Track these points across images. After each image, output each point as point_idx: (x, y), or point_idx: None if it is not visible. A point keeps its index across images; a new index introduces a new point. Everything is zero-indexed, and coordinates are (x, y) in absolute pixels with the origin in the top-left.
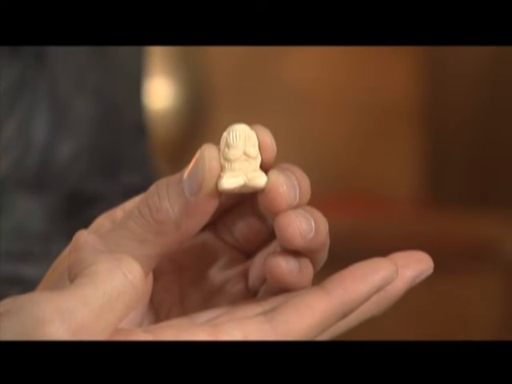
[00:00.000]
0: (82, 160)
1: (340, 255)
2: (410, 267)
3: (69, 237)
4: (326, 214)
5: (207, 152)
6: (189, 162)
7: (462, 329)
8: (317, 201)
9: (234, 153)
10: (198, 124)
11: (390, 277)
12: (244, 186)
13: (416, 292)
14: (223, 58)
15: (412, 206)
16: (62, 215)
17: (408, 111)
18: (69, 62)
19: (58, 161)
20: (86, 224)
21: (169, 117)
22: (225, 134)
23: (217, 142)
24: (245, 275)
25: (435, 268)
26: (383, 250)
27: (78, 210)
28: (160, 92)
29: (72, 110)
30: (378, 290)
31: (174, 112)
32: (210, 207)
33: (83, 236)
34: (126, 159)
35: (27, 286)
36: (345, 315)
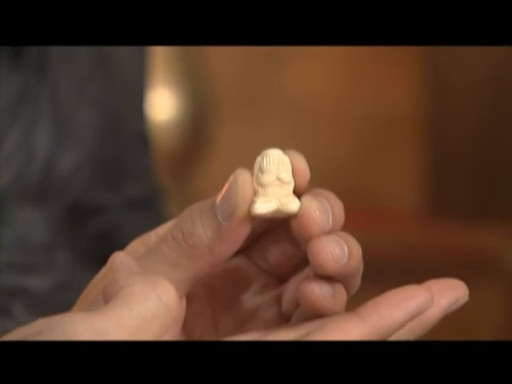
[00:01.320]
0: (85, 171)
1: None
2: (445, 295)
3: (71, 248)
4: None
5: (241, 177)
6: (191, 173)
7: (461, 338)
8: None
9: (267, 178)
10: (201, 135)
11: (425, 304)
12: (277, 211)
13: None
14: (226, 70)
15: (414, 217)
16: (64, 226)
17: (410, 122)
18: (71, 73)
19: (60, 172)
20: (88, 235)
21: (171, 128)
22: (258, 159)
23: (220, 153)
24: (278, 300)
25: (437, 278)
26: (386, 261)
27: (80, 221)
28: (162, 103)
29: (74, 121)
30: (413, 317)
31: (177, 123)
32: (242, 232)
33: (119, 257)
34: (129, 170)
35: (29, 297)
36: None
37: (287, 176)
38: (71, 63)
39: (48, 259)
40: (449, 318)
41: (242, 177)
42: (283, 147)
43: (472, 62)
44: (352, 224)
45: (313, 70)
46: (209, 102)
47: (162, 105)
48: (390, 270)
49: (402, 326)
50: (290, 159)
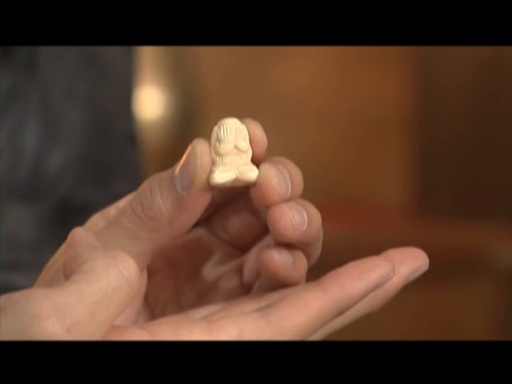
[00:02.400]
0: (73, 169)
1: (330, 264)
2: (405, 264)
3: (60, 246)
4: None
5: (198, 147)
6: (180, 157)
7: (453, 337)
8: None
9: (224, 147)
10: (189, 133)
11: (387, 275)
12: (236, 180)
13: (406, 301)
14: (214, 68)
15: (402, 215)
16: (52, 224)
17: (399, 120)
18: (60, 71)
19: (49, 170)
20: None
21: (159, 126)
22: (215, 129)
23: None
24: (239, 270)
25: (425, 277)
26: None
27: (68, 218)
28: (151, 101)
29: (63, 120)
30: (375, 288)
31: (165, 121)
32: (202, 202)
33: (78, 233)
34: (117, 168)
35: None
36: (341, 312)
37: (245, 145)
38: (60, 62)
39: (37, 257)
40: (438, 316)
41: (200, 147)
42: (272, 145)
43: (460, 61)
44: (340, 221)
45: (301, 68)
46: (197, 99)
47: (151, 103)
48: None
49: (363, 297)
50: (248, 128)
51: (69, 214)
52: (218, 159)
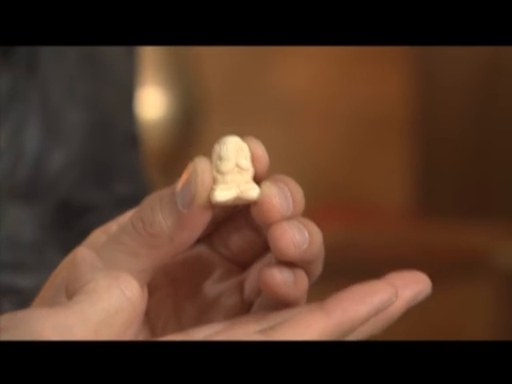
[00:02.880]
0: (74, 169)
1: (331, 265)
2: (408, 288)
3: (61, 246)
4: (316, 224)
5: (199, 165)
6: (181, 173)
7: (453, 337)
8: (308, 211)
9: (226, 165)
10: (190, 134)
11: (390, 300)
12: (237, 198)
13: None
14: (215, 68)
15: (403, 216)
16: (53, 225)
17: (399, 121)
18: (60, 71)
19: (50, 170)
20: (78, 233)
21: (161, 126)
22: (216, 147)
23: (209, 152)
24: (240, 287)
25: None
26: (374, 260)
27: (69, 219)
28: (152, 102)
29: (64, 120)
30: (377, 312)
31: (166, 122)
32: (203, 220)
33: (81, 252)
34: (118, 169)
35: (19, 296)
36: (343, 336)
37: (246, 163)
38: (60, 62)
39: (38, 257)
40: (438, 317)
41: (201, 164)
42: (273, 145)
43: (460, 61)
44: (341, 222)
45: (302, 68)
46: (198, 100)
47: (152, 103)
48: (377, 269)
49: (365, 320)
50: (249, 146)
51: (70, 214)
52: (219, 177)
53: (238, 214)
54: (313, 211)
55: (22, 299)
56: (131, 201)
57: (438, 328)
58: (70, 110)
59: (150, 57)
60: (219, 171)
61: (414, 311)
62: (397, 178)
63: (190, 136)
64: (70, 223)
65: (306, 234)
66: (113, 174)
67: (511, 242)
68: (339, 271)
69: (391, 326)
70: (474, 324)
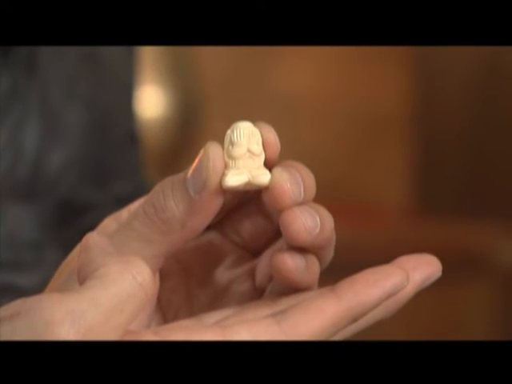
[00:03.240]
0: (73, 169)
1: (331, 263)
2: (418, 270)
3: (60, 245)
4: None
5: (211, 150)
6: (181, 170)
7: (453, 337)
8: None
9: (237, 150)
10: (190, 133)
11: (401, 284)
12: (248, 183)
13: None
14: (214, 67)
15: (402, 214)
16: (53, 224)
17: (398, 120)
18: (59, 71)
19: (49, 170)
20: (77, 232)
21: (160, 125)
22: (228, 132)
23: None
24: (252, 274)
25: None
26: (373, 260)
27: (69, 218)
28: (151, 101)
29: (63, 119)
30: (389, 296)
31: (165, 120)
32: (214, 205)
33: (92, 238)
34: (118, 168)
35: (19, 294)
36: (355, 319)
37: (258, 148)
38: (60, 62)
39: (37, 256)
40: (437, 316)
41: (213, 150)
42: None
43: (460, 61)
44: (340, 221)
45: (301, 67)
46: (197, 99)
47: (151, 102)
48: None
49: (377, 304)
50: (261, 131)
51: (69, 213)
52: (230, 162)
53: (249, 200)
54: None
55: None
56: (130, 200)
57: (438, 328)
58: (69, 110)
59: (149, 56)
60: (231, 156)
61: (414, 311)
62: (396, 176)
63: (189, 135)
64: (70, 222)
65: (318, 219)
66: (112, 173)
67: (511, 242)
68: (339, 270)
69: (391, 326)
70: (474, 324)
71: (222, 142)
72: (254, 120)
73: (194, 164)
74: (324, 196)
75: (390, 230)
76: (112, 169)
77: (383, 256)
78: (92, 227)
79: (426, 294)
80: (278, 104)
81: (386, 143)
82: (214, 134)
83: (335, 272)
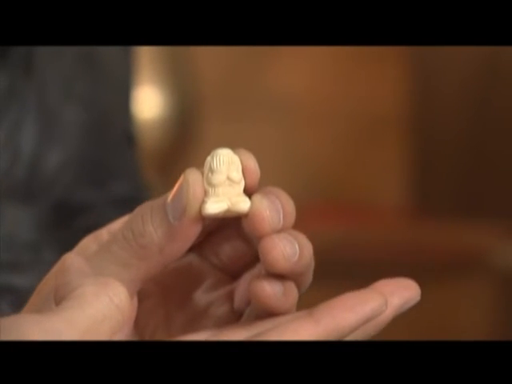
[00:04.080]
0: (71, 169)
1: (328, 264)
2: (397, 295)
3: (58, 246)
4: (313, 224)
5: (191, 177)
6: (177, 173)
7: (452, 337)
8: (304, 210)
9: (217, 178)
10: (187, 133)
11: (379, 309)
12: (228, 210)
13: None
14: (211, 68)
15: (400, 215)
16: (50, 224)
17: (396, 120)
18: (57, 71)
19: (47, 170)
20: (75, 233)
21: (157, 126)
22: (208, 159)
23: (205, 151)
24: (230, 297)
25: (424, 277)
26: (371, 260)
27: (66, 219)
28: (148, 101)
29: (60, 120)
30: (367, 321)
31: (163, 121)
32: (193, 232)
33: (70, 258)
34: (115, 169)
35: (16, 295)
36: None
37: (237, 176)
38: (57, 62)
39: (35, 257)
40: (436, 316)
41: (193, 177)
42: (269, 145)
43: (458, 61)
44: (337, 222)
45: (298, 68)
46: (194, 99)
47: (148, 103)
48: (374, 268)
49: (354, 329)
50: (240, 158)
51: (67, 214)
52: (210, 190)
53: (229, 224)
54: (309, 211)
55: (19, 299)
56: (128, 200)
57: (437, 328)
58: (66, 110)
59: (147, 56)
60: (210, 184)
61: (413, 311)
62: (394, 177)
63: (187, 135)
64: (67, 223)
65: (297, 246)
66: (109, 173)
67: (510, 242)
68: (336, 270)
69: (391, 326)
70: (473, 324)
71: (219, 143)
72: (252, 120)
73: (174, 190)
74: (321, 196)
75: (388, 231)
76: (109, 169)
77: (381, 256)
78: (89, 228)
79: (424, 294)
80: (276, 104)
81: (383, 143)
82: (211, 134)
83: (334, 272)
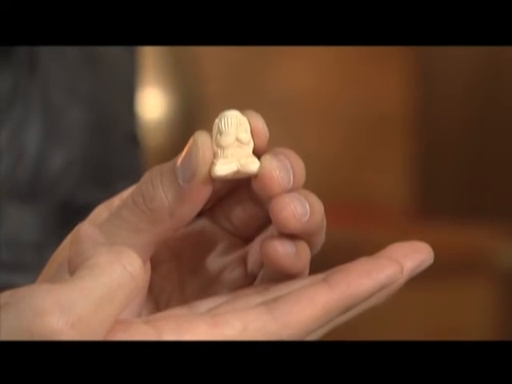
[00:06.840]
0: (75, 169)
1: (331, 264)
2: (409, 258)
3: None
4: None
5: (200, 139)
6: (182, 149)
7: (453, 337)
8: None
9: (226, 139)
10: (191, 133)
11: (395, 276)
12: (237, 172)
13: (406, 300)
14: (215, 68)
15: (404, 215)
16: (54, 225)
17: (400, 121)
18: (61, 71)
19: (51, 170)
20: None
21: (161, 126)
22: (216, 121)
23: None
24: (243, 260)
25: (426, 277)
26: None
27: (70, 219)
28: (152, 101)
29: (64, 120)
30: (382, 287)
31: (167, 121)
32: (203, 194)
33: (83, 228)
34: (119, 169)
35: None
36: (346, 310)
37: (246, 137)
38: (61, 62)
39: (38, 257)
40: (438, 316)
41: (202, 139)
42: (273, 145)
43: (460, 61)
44: (341, 222)
45: (303, 68)
46: (199, 100)
47: (153, 103)
48: None
49: (369, 296)
50: (249, 119)
51: (70, 214)
52: (219, 151)
53: (240, 187)
54: None
55: None
56: None
57: (438, 328)
58: (70, 110)
59: (150, 57)
60: (219, 145)
61: (414, 311)
62: (397, 177)
63: (190, 135)
64: (71, 223)
65: (307, 205)
66: (113, 173)
67: (511, 242)
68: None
69: (391, 326)
70: (474, 324)
71: None
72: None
73: (183, 153)
74: (325, 196)
75: (390, 231)
76: (113, 170)
77: None
78: None
79: (426, 294)
80: (279, 105)
81: (386, 144)
82: None
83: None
